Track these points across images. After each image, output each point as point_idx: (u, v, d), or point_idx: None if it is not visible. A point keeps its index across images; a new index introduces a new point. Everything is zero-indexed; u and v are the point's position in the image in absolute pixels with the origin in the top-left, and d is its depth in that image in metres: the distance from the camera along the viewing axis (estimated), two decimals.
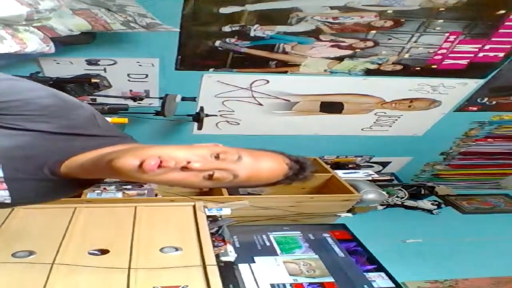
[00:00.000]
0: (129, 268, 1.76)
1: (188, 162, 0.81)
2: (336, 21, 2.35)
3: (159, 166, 0.79)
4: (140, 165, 0.79)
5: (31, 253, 1.81)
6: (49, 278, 1.66)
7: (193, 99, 2.66)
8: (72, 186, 0.99)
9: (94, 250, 1.89)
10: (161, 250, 1.92)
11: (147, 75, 2.62)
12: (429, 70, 2.76)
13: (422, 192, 3.70)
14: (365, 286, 2.14)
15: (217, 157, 0.85)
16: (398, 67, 2.73)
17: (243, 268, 2.07)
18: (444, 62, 2.69)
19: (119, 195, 2.51)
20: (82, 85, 2.24)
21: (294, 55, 2.58)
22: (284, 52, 2.55)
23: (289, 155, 0.95)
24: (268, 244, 2.42)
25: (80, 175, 0.92)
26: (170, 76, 2.61)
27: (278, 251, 2.36)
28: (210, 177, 0.84)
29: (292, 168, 0.92)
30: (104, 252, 1.88)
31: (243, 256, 2.17)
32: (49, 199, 1.02)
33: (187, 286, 1.70)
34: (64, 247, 1.86)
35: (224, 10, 2.22)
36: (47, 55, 2.12)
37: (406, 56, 2.63)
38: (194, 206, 2.30)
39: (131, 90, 2.71)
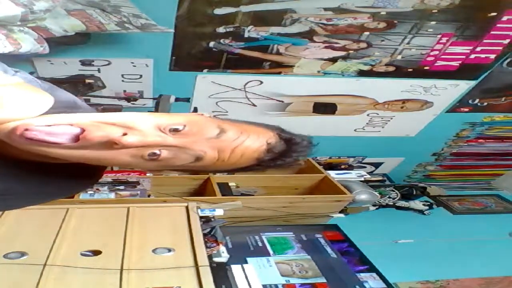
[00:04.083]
0: (121, 269, 1.76)
1: (124, 134, 0.59)
2: (330, 23, 2.35)
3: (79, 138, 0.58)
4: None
5: (23, 254, 1.80)
6: (41, 279, 1.66)
7: (187, 99, 2.66)
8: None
9: (86, 251, 1.88)
10: (154, 251, 1.92)
11: (141, 76, 2.61)
12: (421, 72, 2.77)
13: (414, 192, 3.72)
14: (357, 286, 2.14)
15: (177, 130, 0.63)
16: (391, 68, 2.74)
17: (235, 269, 2.06)
18: (436, 64, 2.70)
19: (112, 196, 2.50)
20: (76, 86, 2.24)
21: (287, 56, 2.58)
22: (278, 53, 2.55)
23: (282, 132, 0.72)
24: (260, 244, 2.42)
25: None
26: (164, 77, 2.60)
27: (271, 251, 2.36)
28: (155, 156, 0.62)
29: (272, 150, 0.69)
30: (96, 253, 1.87)
31: (235, 256, 2.17)
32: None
33: (179, 287, 1.70)
34: (56, 248, 1.85)
35: (218, 11, 2.21)
36: (41, 56, 2.11)
37: (399, 57, 2.64)
38: (187, 207, 2.29)
39: (125, 91, 2.70)
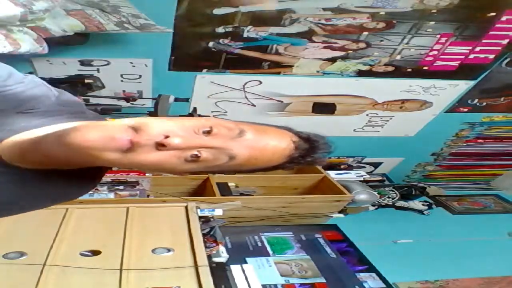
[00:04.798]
0: (120, 269, 1.76)
1: (166, 137, 0.61)
2: (329, 23, 2.36)
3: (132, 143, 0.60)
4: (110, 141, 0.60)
5: (22, 254, 1.80)
6: (40, 279, 1.66)
7: (186, 99, 2.65)
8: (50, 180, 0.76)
9: (85, 251, 1.88)
10: (153, 251, 1.92)
11: (140, 76, 2.61)
12: (420, 72, 2.78)
13: (413, 192, 3.72)
14: (356, 286, 2.15)
15: (208, 132, 0.66)
16: (390, 69, 2.75)
17: (235, 269, 2.05)
18: (435, 64, 2.71)
19: (111, 196, 2.50)
20: (75, 86, 2.24)
21: (287, 56, 2.59)
22: (277, 53, 2.55)
23: (298, 132, 0.75)
24: (260, 245, 2.43)
25: (24, 163, 0.72)
26: (163, 77, 2.61)
27: (270, 252, 2.37)
28: (196, 158, 0.65)
29: (299, 148, 0.71)
30: (95, 253, 1.87)
31: (235, 257, 2.17)
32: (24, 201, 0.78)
33: (179, 287, 1.70)
34: (55, 248, 1.85)
35: (217, 11, 2.22)
36: (40, 56, 2.11)
37: (398, 57, 2.65)
38: (186, 207, 2.29)
39: (124, 91, 2.70)
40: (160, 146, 0.60)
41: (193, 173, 0.71)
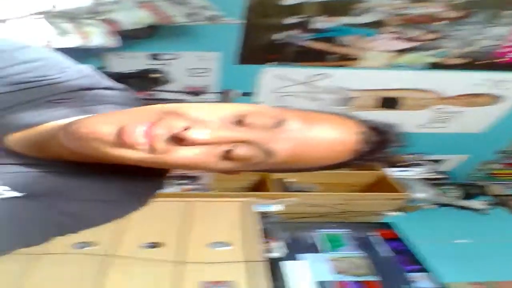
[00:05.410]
0: (179, 262, 1.83)
1: (186, 129, 0.50)
2: (402, 12, 2.28)
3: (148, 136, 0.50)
4: (119, 135, 0.50)
5: (88, 244, 1.90)
6: (104, 269, 1.76)
7: (253, 94, 2.65)
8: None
9: (147, 243, 1.96)
10: (211, 245, 1.97)
11: (207, 70, 2.61)
12: (494, 64, 2.63)
13: (475, 191, 3.57)
14: (409, 286, 2.15)
15: (239, 122, 0.54)
16: (462, 61, 2.61)
17: (289, 265, 2.10)
18: (510, 56, 2.55)
19: (175, 189, 2.55)
20: (143, 80, 2.26)
21: (355, 48, 2.51)
22: (346, 45, 2.49)
23: (364, 120, 0.60)
24: (315, 241, 2.45)
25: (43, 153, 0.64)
26: (230, 71, 2.60)
27: (325, 248, 2.39)
28: (228, 155, 0.54)
29: (367, 141, 0.57)
30: (156, 245, 1.95)
31: (290, 253, 2.21)
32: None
33: (234, 281, 1.75)
34: (119, 239, 1.94)
35: (287, 1, 2.19)
36: (111, 50, 2.15)
37: (471, 49, 2.51)
38: (244, 202, 2.33)
39: (191, 85, 2.72)
40: (179, 141, 0.50)
41: (237, 171, 0.60)
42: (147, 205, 0.73)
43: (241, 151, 0.53)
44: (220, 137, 0.52)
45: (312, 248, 2.39)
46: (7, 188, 0.63)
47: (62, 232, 0.66)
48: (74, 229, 0.67)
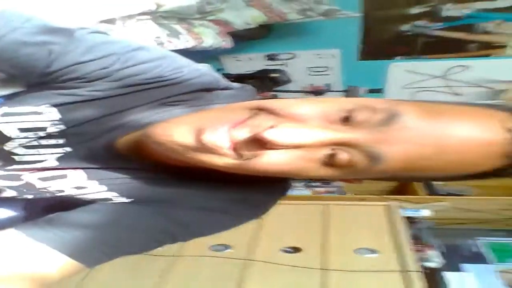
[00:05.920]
0: (322, 269, 1.71)
1: (271, 127, 0.43)
2: None
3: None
4: (197, 138, 0.45)
5: (226, 247, 1.87)
6: (244, 273, 1.70)
7: (380, 91, 2.54)
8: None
9: (286, 248, 1.88)
10: (356, 251, 1.82)
11: (327, 68, 2.59)
12: None
13: None
14: None
15: (345, 119, 0.44)
16: None
17: (451, 276, 1.91)
18: None
19: (307, 192, 2.49)
20: (262, 81, 2.28)
21: (498, 35, 2.28)
22: (486, 32, 2.27)
23: None
24: (477, 250, 2.23)
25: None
26: (352, 67, 2.54)
27: (491, 259, 2.14)
28: (330, 160, 0.44)
29: None
30: (296, 250, 1.86)
31: (448, 262, 2.01)
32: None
33: None
34: (258, 243, 1.89)
35: None
36: (227, 52, 2.21)
37: None
38: (388, 206, 2.13)
39: (311, 84, 2.70)
40: (262, 142, 0.42)
41: (357, 179, 0.50)
42: (267, 213, 0.66)
43: (344, 156, 0.43)
44: (316, 138, 0.43)
45: (475, 258, 2.17)
46: (115, 194, 0.63)
47: (167, 240, 0.63)
48: (180, 238, 0.63)
